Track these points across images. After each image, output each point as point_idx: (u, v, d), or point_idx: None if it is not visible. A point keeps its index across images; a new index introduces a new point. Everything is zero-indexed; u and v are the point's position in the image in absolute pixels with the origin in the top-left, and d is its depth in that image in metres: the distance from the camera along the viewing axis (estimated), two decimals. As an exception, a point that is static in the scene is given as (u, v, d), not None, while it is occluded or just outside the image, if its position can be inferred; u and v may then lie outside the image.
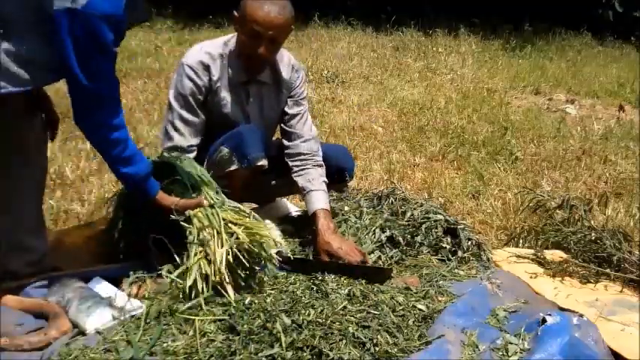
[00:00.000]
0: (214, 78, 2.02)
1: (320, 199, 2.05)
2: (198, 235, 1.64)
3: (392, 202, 2.27)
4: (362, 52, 6.78)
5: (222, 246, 1.61)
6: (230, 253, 1.60)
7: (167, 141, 1.99)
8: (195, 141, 2.01)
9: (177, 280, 1.62)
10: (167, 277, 1.65)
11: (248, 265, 1.65)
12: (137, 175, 1.63)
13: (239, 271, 1.64)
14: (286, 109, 2.19)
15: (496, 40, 8.03)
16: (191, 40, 6.70)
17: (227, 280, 1.59)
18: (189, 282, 1.58)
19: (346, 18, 8.10)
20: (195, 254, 1.62)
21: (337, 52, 6.61)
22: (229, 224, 1.66)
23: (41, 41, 1.40)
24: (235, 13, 1.98)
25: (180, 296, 1.59)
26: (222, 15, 7.45)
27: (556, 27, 8.55)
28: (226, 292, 1.59)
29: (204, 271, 1.59)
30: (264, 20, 1.90)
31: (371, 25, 8.14)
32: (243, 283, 1.65)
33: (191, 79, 1.98)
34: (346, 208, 2.27)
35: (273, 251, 1.70)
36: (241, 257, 1.62)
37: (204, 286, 1.58)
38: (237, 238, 1.63)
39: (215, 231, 1.63)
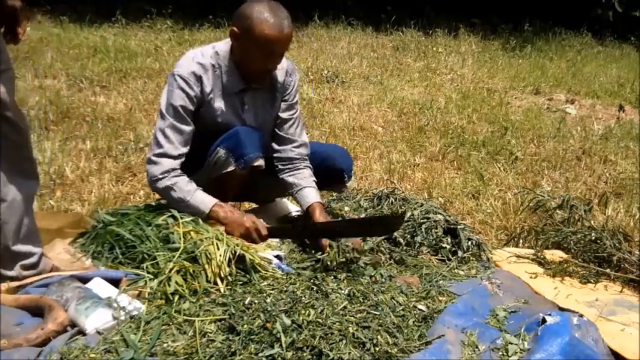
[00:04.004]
0: (207, 89, 1.99)
1: (314, 194, 2.09)
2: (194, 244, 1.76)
3: (392, 202, 2.27)
4: (362, 52, 6.77)
5: (218, 248, 1.73)
6: (230, 251, 1.73)
7: (156, 148, 1.95)
8: (184, 150, 1.97)
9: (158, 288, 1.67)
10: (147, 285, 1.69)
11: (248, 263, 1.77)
12: None
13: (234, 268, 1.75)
14: (279, 112, 2.17)
15: (496, 40, 8.03)
16: (191, 41, 6.69)
17: (225, 273, 1.69)
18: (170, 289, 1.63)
19: (346, 18, 8.09)
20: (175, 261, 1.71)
21: (337, 52, 6.61)
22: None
23: None
24: (235, 29, 1.92)
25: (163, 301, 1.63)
26: (222, 15, 7.44)
27: (556, 27, 8.55)
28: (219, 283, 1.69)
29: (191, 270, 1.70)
30: (278, 39, 1.88)
31: (371, 25, 8.13)
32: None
33: (183, 90, 1.94)
34: (346, 208, 2.26)
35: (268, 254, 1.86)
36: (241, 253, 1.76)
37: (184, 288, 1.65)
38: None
39: (215, 237, 1.78)
